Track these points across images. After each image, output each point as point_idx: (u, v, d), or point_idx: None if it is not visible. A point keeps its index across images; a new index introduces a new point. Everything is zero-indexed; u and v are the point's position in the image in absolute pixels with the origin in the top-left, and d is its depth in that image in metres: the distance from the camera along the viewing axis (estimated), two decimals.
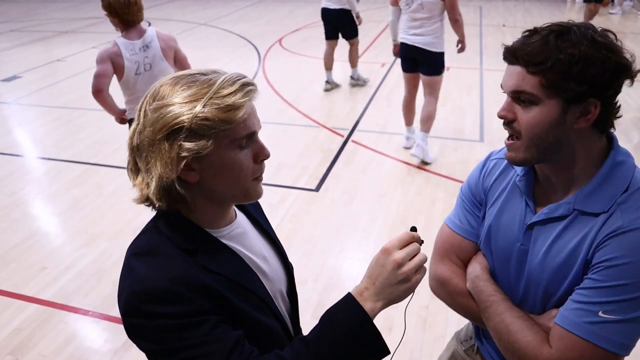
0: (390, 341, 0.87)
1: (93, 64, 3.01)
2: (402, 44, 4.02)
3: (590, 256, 0.94)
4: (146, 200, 0.90)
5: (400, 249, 0.86)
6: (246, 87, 0.85)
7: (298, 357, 0.83)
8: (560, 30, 0.90)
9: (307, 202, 3.69)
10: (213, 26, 9.98)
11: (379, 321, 0.86)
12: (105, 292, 2.84)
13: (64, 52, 8.29)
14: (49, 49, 8.66)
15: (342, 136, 4.74)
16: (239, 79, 0.85)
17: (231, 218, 0.99)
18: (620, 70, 0.90)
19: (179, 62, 3.07)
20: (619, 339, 0.89)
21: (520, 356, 0.97)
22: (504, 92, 0.99)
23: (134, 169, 0.90)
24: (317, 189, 3.87)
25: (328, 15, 5.65)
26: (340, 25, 5.70)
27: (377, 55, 7.42)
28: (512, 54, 0.94)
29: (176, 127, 0.82)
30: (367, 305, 0.85)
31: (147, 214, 3.79)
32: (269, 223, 1.14)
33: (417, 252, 0.87)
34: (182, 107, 0.82)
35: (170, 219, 0.91)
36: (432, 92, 4.04)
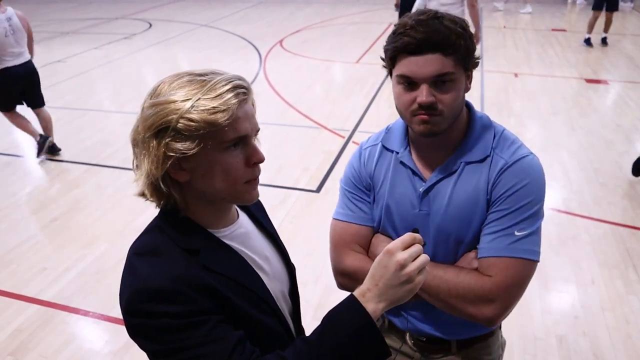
0: None
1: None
2: None
3: (489, 195, 1.10)
4: (143, 194, 0.90)
5: (403, 250, 0.85)
6: (237, 89, 0.83)
7: (300, 357, 0.83)
8: (436, 15, 1.04)
9: (308, 203, 3.69)
10: (214, 27, 9.99)
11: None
12: (106, 293, 2.84)
13: (64, 53, 8.30)
14: (49, 49, 8.67)
15: (343, 137, 4.74)
16: (231, 81, 0.84)
17: (233, 218, 0.99)
18: (472, 37, 1.08)
19: (29, 33, 4.44)
20: (533, 248, 1.07)
21: (467, 295, 1.06)
22: (412, 83, 1.05)
23: (137, 164, 0.90)
24: (318, 190, 3.87)
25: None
26: (408, 5, 6.27)
27: (378, 56, 7.41)
28: (422, 45, 1.01)
29: (163, 126, 0.81)
30: (370, 307, 0.84)
31: (148, 214, 3.79)
32: (271, 223, 1.14)
33: (420, 253, 0.87)
34: (171, 106, 0.81)
35: (173, 219, 0.91)
36: None
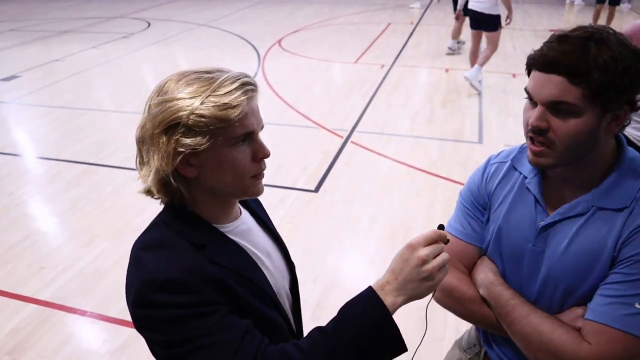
0: None
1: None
2: (470, 9, 5.70)
3: (617, 252, 0.95)
4: (148, 192, 0.92)
5: (426, 246, 0.85)
6: (245, 86, 0.85)
7: (315, 347, 0.83)
8: (596, 37, 0.88)
9: (306, 203, 3.69)
10: (213, 27, 9.98)
11: None
12: (104, 293, 2.83)
13: (63, 52, 8.29)
14: (48, 48, 8.65)
15: (342, 137, 4.74)
16: (239, 78, 0.86)
17: (236, 214, 1.00)
18: None
19: None
20: None
21: (558, 356, 0.96)
22: (533, 100, 0.95)
23: (141, 161, 0.91)
24: (317, 189, 3.87)
25: None
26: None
27: (377, 57, 7.43)
28: (550, 63, 0.89)
29: (174, 122, 0.83)
30: (388, 300, 0.84)
31: (147, 214, 3.77)
32: (271, 221, 1.15)
33: (441, 251, 0.86)
34: (181, 103, 0.83)
35: (178, 213, 0.92)
36: (492, 42, 5.73)
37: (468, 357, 1.34)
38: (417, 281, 0.84)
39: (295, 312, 1.12)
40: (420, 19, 10.17)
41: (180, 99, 0.83)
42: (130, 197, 3.85)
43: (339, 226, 3.41)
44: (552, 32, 0.96)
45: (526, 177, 1.09)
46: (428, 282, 0.84)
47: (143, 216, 3.54)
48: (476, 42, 5.91)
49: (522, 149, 1.14)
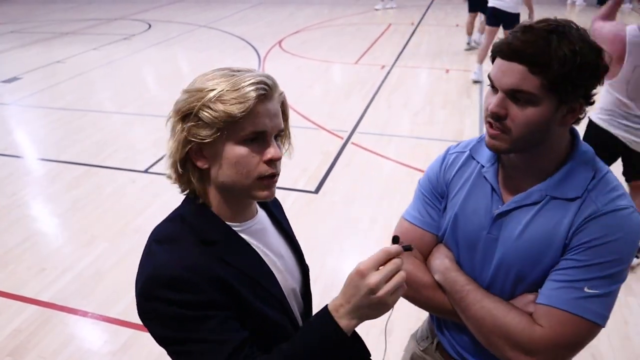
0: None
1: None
2: (491, 7, 5.89)
3: (568, 240, 0.99)
4: (170, 176, 0.95)
5: (377, 269, 0.83)
6: (258, 85, 0.86)
7: None
8: (559, 30, 0.92)
9: (306, 204, 3.70)
10: (213, 28, 9.99)
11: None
12: (105, 294, 2.83)
13: (64, 54, 8.30)
14: (49, 50, 8.66)
15: (342, 138, 4.75)
16: (256, 77, 0.87)
17: (252, 213, 1.01)
18: (604, 73, 0.95)
19: None
20: (602, 311, 0.96)
21: (510, 338, 0.99)
22: (494, 87, 0.98)
23: None
24: (317, 191, 3.87)
25: None
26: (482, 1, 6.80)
27: (377, 57, 7.43)
28: (513, 51, 0.92)
29: (188, 112, 0.87)
30: (343, 322, 0.85)
31: (147, 215, 3.75)
32: (288, 223, 1.16)
33: (397, 270, 0.83)
34: (198, 94, 0.86)
35: (195, 208, 0.94)
36: None
37: (421, 348, 1.37)
38: (368, 307, 0.83)
39: (305, 315, 1.13)
40: (421, 19, 10.18)
41: (199, 90, 0.87)
42: (130, 197, 3.86)
43: (339, 227, 3.41)
44: None
45: (483, 167, 1.12)
46: (380, 307, 0.84)
47: (143, 216, 3.54)
48: (490, 39, 6.01)
49: (480, 140, 1.17)
